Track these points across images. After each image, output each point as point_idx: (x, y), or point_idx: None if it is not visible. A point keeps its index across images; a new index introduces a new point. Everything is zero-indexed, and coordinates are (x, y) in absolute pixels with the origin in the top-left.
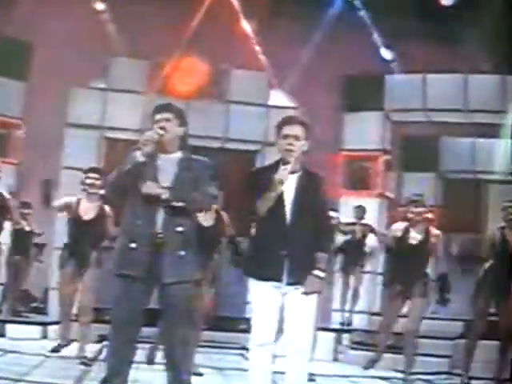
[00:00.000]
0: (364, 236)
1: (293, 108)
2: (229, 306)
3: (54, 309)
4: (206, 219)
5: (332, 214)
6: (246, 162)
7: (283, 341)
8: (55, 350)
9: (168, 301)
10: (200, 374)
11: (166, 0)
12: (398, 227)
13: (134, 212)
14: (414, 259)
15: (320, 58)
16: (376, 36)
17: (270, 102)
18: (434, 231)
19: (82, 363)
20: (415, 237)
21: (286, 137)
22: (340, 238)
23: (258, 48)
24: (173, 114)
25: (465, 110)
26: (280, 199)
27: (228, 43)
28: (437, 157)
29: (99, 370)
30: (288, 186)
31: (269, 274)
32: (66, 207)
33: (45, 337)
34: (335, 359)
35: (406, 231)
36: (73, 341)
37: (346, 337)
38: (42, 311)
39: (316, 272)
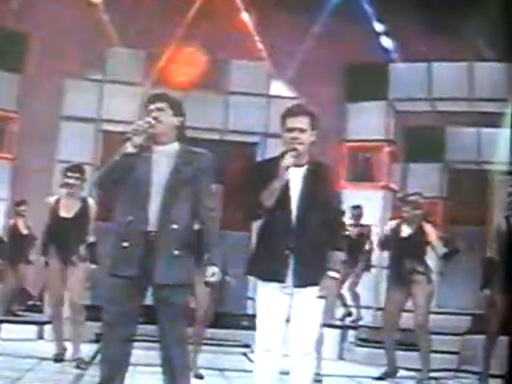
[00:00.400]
0: (361, 237)
1: (293, 98)
2: (229, 301)
3: None
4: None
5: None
6: (246, 154)
7: (289, 342)
8: (57, 359)
9: (162, 302)
10: (201, 377)
11: None
12: (391, 224)
13: (124, 208)
14: (408, 251)
15: (321, 48)
16: (377, 25)
17: (271, 93)
18: (426, 224)
19: (78, 366)
20: (406, 229)
21: (291, 130)
22: None
23: (257, 38)
24: (167, 103)
25: (470, 99)
26: (286, 193)
27: (227, 33)
28: (442, 147)
29: (95, 374)
30: (294, 179)
31: (271, 274)
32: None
33: (41, 337)
34: (341, 357)
35: (399, 224)
36: (67, 340)
37: (351, 334)
38: (38, 309)
39: (331, 273)
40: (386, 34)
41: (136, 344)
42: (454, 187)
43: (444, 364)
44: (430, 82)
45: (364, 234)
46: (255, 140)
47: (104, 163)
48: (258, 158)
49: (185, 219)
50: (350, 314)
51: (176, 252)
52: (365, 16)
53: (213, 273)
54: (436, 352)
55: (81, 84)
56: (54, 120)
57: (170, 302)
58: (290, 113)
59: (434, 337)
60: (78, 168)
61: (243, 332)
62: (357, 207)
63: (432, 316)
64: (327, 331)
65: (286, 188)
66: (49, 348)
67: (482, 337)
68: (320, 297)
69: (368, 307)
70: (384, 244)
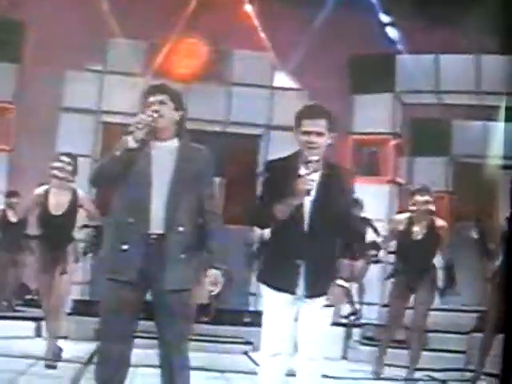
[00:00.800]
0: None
1: (297, 90)
2: (231, 297)
3: None
4: None
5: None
6: (249, 146)
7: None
8: (50, 366)
9: (163, 306)
10: None
11: None
12: (400, 219)
13: (123, 208)
14: (419, 254)
15: (326, 39)
16: (383, 16)
17: (274, 84)
18: (439, 222)
19: (47, 366)
20: (419, 231)
21: (307, 133)
22: None
23: (260, 28)
24: (168, 96)
25: (477, 92)
26: (299, 204)
27: (230, 23)
28: (448, 140)
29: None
30: None
31: (282, 285)
32: (34, 202)
33: (39, 335)
34: (344, 357)
35: (410, 224)
36: (63, 338)
37: (355, 332)
38: (36, 304)
39: (340, 282)
40: (392, 25)
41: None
42: (459, 181)
43: (450, 364)
44: (437, 75)
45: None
46: (258, 132)
47: (104, 156)
48: (261, 151)
49: (190, 221)
50: (355, 313)
51: (182, 256)
52: (370, 7)
53: (215, 279)
54: (441, 351)
55: (81, 75)
56: (53, 111)
57: (173, 306)
58: (306, 114)
59: (438, 335)
60: (68, 156)
61: (245, 329)
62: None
63: (435, 313)
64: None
65: None
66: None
67: None
68: (328, 305)
69: (373, 304)
70: (395, 246)
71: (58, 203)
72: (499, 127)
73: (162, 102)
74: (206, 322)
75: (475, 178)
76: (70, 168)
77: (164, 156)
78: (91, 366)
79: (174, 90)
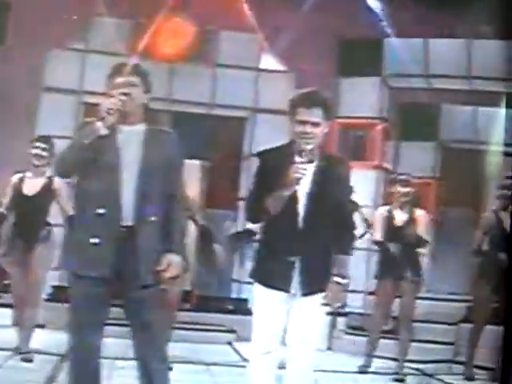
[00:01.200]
0: None
1: (284, 72)
2: (213, 284)
3: None
4: None
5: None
6: (235, 129)
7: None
8: (26, 359)
9: (137, 303)
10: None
11: None
12: (382, 213)
13: (92, 198)
14: (400, 242)
15: (314, 21)
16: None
17: (261, 66)
18: (419, 212)
19: (24, 359)
20: (399, 217)
21: (303, 123)
22: None
23: (248, 9)
24: (139, 77)
25: (468, 77)
26: (292, 194)
27: (217, 3)
28: (437, 125)
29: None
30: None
31: (276, 283)
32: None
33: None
34: (329, 348)
35: (390, 212)
36: (39, 326)
37: (340, 321)
38: None
39: (337, 279)
40: (381, 7)
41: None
42: (447, 167)
43: (438, 355)
44: (427, 59)
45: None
46: (244, 115)
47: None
48: (247, 134)
49: (161, 209)
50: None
51: (156, 247)
52: None
53: (170, 262)
54: (429, 342)
55: (62, 54)
56: (34, 91)
57: (148, 301)
58: (302, 102)
59: (426, 326)
60: (45, 139)
61: (228, 316)
62: None
63: (423, 302)
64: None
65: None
66: None
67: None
68: (325, 304)
69: (357, 291)
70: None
71: (32, 185)
72: (489, 112)
73: (132, 84)
74: (188, 310)
75: (463, 163)
76: (46, 154)
77: (132, 141)
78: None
79: (144, 70)
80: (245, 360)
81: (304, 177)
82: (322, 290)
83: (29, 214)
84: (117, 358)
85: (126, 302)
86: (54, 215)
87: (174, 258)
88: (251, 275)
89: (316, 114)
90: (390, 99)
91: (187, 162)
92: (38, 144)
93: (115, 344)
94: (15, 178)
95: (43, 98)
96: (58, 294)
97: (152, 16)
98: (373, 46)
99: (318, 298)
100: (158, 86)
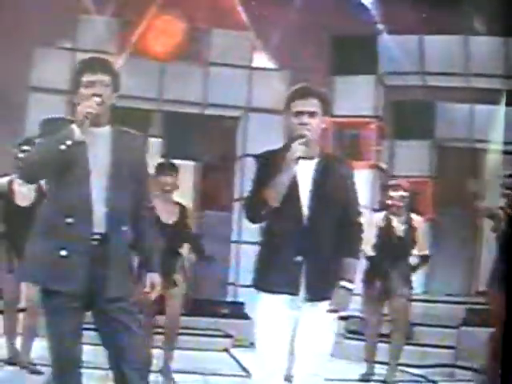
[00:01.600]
0: None
1: (277, 70)
2: (209, 287)
3: None
4: None
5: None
6: (227, 129)
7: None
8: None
9: (110, 317)
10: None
11: None
12: (379, 218)
13: (60, 206)
14: (399, 250)
15: (307, 18)
16: None
17: (254, 64)
18: (416, 217)
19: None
20: (397, 226)
21: (299, 114)
22: None
23: (239, 6)
24: (111, 76)
25: (464, 74)
26: (294, 190)
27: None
28: (432, 124)
29: None
30: (304, 173)
31: (281, 287)
32: None
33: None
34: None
35: (388, 220)
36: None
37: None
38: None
39: (344, 283)
40: (375, 4)
41: None
42: (443, 166)
43: (438, 359)
44: (422, 56)
45: None
46: (236, 114)
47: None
48: (240, 134)
49: (132, 219)
50: None
51: (127, 257)
52: None
53: (153, 282)
54: (428, 346)
55: (51, 52)
56: (22, 91)
57: (121, 314)
58: (297, 94)
59: (425, 329)
60: (29, 143)
61: (224, 320)
62: None
63: (420, 304)
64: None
65: (294, 184)
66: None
67: (479, 329)
68: (332, 311)
69: (357, 295)
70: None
71: (24, 194)
72: (486, 110)
73: (105, 84)
74: (182, 314)
75: (459, 162)
76: None
77: (99, 144)
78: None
79: (114, 67)
80: (244, 369)
81: (301, 155)
82: (329, 297)
83: (22, 225)
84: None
85: (97, 314)
86: None
87: (156, 278)
88: (254, 284)
89: (312, 104)
90: (384, 97)
91: (180, 163)
92: (22, 148)
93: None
94: (2, 182)
95: (31, 98)
96: None
97: (141, 14)
98: (367, 44)
99: (326, 304)
100: (148, 85)
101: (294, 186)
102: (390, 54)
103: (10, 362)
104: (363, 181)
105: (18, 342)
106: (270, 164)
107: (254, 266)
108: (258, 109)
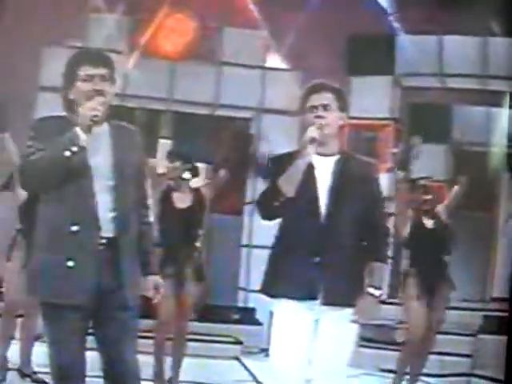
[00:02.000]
0: None
1: (291, 71)
2: (219, 292)
3: None
4: None
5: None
6: (239, 130)
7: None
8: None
9: (123, 330)
10: None
11: None
12: (406, 217)
13: (65, 214)
14: (433, 247)
15: (323, 17)
16: None
17: (267, 65)
18: (445, 219)
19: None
20: (428, 222)
21: (314, 108)
22: None
23: (253, 4)
24: (110, 69)
25: (483, 76)
26: (311, 186)
27: None
28: (449, 127)
29: None
30: (322, 169)
31: (297, 291)
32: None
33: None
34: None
35: (418, 218)
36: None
37: None
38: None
39: (371, 290)
40: (393, 3)
41: None
42: (460, 170)
43: (454, 368)
44: (440, 57)
45: None
46: (249, 115)
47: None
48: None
49: (135, 221)
50: None
51: (135, 263)
52: None
53: (156, 285)
54: (442, 354)
55: (60, 52)
56: (31, 91)
57: (129, 320)
58: (311, 90)
59: (440, 337)
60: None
61: (234, 326)
62: None
63: None
64: None
65: (311, 180)
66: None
67: (496, 337)
68: (355, 321)
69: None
70: (408, 243)
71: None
72: (504, 113)
73: (105, 79)
74: (192, 320)
75: (476, 166)
76: None
77: (99, 145)
78: None
79: (112, 61)
80: (254, 378)
81: (317, 136)
82: (350, 304)
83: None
84: None
85: (101, 325)
86: None
87: (158, 281)
88: (265, 289)
89: (326, 98)
90: (401, 99)
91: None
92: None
93: None
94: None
95: (40, 97)
96: None
97: (153, 12)
98: (384, 44)
99: (348, 313)
100: (158, 85)
101: (311, 182)
102: (408, 54)
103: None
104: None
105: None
106: (284, 165)
107: (266, 269)
108: (271, 110)
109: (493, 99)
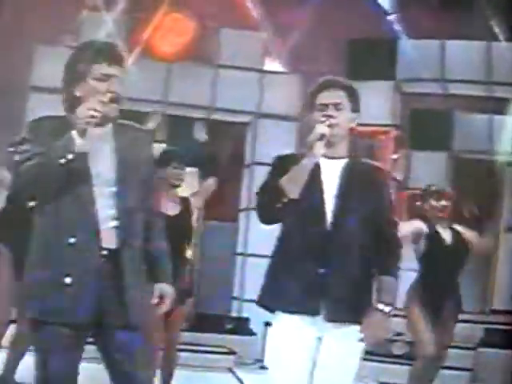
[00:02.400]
0: None
1: (290, 74)
2: (212, 301)
3: None
4: None
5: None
6: (236, 135)
7: None
8: None
9: (125, 350)
10: None
11: None
12: (420, 226)
13: (62, 225)
14: (449, 263)
15: (323, 20)
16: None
17: (265, 67)
18: (459, 228)
19: None
20: (445, 234)
21: (323, 106)
22: None
23: (251, 5)
24: (121, 67)
25: (487, 82)
26: (317, 191)
27: None
28: (450, 134)
29: None
30: (329, 172)
31: (299, 305)
32: None
33: None
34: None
35: (433, 229)
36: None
37: None
38: None
39: (381, 306)
40: (394, 7)
41: None
42: (460, 178)
43: (454, 382)
44: (443, 63)
45: None
46: (246, 120)
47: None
48: (249, 140)
49: (140, 231)
50: None
51: (140, 277)
52: None
53: (163, 294)
54: (442, 368)
55: (52, 50)
56: (22, 90)
57: (134, 341)
58: (321, 87)
59: None
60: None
61: (228, 336)
62: None
63: None
64: None
65: (318, 183)
66: None
67: (497, 350)
68: (362, 340)
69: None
70: (423, 258)
71: None
72: (507, 121)
73: (119, 79)
74: (185, 329)
75: (477, 174)
76: None
77: (101, 149)
78: None
79: (121, 51)
80: None
81: (326, 133)
82: (357, 321)
83: None
84: None
85: (105, 344)
86: None
87: (166, 289)
88: (264, 301)
89: (338, 95)
90: (402, 105)
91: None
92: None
93: None
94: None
95: (31, 97)
96: None
97: (149, 11)
98: (385, 48)
99: (354, 330)
100: (154, 87)
101: (317, 186)
102: (409, 59)
103: None
104: None
105: None
106: (288, 165)
107: (264, 280)
108: (269, 114)
109: (496, 106)
